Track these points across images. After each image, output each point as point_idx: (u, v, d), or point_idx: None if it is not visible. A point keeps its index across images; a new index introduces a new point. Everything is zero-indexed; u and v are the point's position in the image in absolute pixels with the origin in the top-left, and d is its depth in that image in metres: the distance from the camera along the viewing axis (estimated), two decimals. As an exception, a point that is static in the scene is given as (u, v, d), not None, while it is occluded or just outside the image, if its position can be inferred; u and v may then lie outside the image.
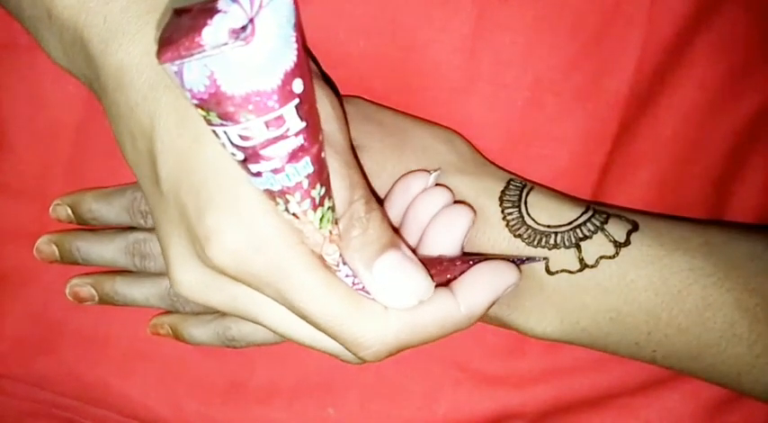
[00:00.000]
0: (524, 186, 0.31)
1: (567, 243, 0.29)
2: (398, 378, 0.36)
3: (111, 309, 0.36)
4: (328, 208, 0.23)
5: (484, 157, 0.33)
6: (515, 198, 0.30)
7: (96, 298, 0.36)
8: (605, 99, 0.32)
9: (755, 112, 0.33)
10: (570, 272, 0.29)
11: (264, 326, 0.26)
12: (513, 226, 0.30)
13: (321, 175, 0.22)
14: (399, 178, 0.30)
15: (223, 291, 0.25)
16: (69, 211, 0.36)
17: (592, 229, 0.30)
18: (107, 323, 0.37)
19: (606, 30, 0.32)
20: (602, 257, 0.29)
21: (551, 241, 0.30)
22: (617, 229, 0.30)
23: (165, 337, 0.36)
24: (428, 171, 0.30)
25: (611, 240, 0.29)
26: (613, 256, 0.29)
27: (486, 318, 0.32)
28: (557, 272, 0.30)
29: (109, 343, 0.37)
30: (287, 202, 0.22)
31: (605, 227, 0.30)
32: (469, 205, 0.29)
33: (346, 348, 0.25)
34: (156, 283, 0.34)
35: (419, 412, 0.36)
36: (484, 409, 0.35)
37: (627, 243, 0.29)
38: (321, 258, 0.24)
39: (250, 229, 0.23)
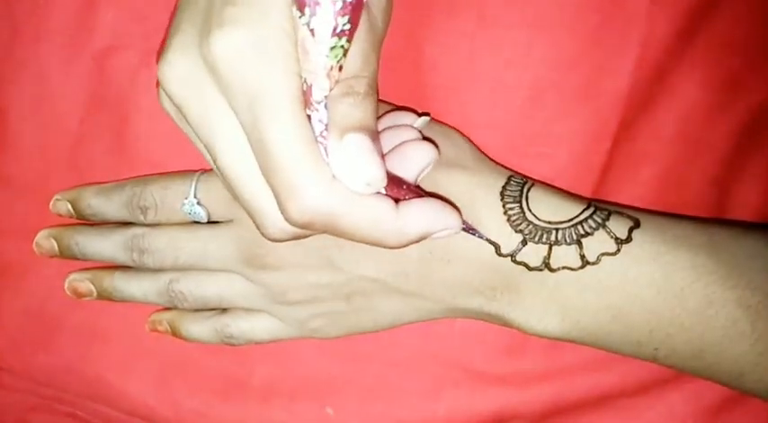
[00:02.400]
0: (525, 182, 0.31)
1: (568, 239, 0.29)
2: (398, 378, 0.35)
3: (110, 305, 0.36)
4: (342, 47, 0.23)
5: (484, 154, 0.33)
6: (516, 193, 0.30)
7: (95, 293, 0.36)
8: (605, 98, 0.32)
9: (756, 111, 0.33)
10: (571, 269, 0.29)
11: (214, 157, 0.26)
12: (514, 221, 0.30)
13: (354, 12, 0.22)
14: (389, 111, 0.30)
15: (200, 93, 0.25)
16: (69, 207, 0.36)
17: (593, 225, 0.30)
18: (106, 319, 0.37)
19: (606, 28, 0.32)
20: (603, 254, 0.29)
21: (552, 237, 0.29)
22: (619, 226, 0.30)
23: (164, 334, 0.36)
24: (417, 114, 0.30)
25: (612, 237, 0.29)
26: (615, 253, 0.29)
27: (486, 316, 0.32)
28: (558, 269, 0.29)
29: (108, 339, 0.37)
30: (314, 14, 0.22)
31: (607, 223, 0.30)
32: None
33: (278, 196, 0.24)
34: (155, 279, 0.34)
35: (419, 412, 0.35)
36: (484, 408, 0.35)
37: (629, 240, 0.29)
38: (304, 99, 0.24)
39: (263, 32, 0.23)
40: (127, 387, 0.37)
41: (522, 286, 0.30)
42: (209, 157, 0.27)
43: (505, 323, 0.31)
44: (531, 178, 0.32)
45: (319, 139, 0.24)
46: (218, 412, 0.36)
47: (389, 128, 0.29)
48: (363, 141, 0.24)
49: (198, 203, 0.33)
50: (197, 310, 0.35)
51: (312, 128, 0.24)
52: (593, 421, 0.34)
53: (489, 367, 0.35)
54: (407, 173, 0.28)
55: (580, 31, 0.32)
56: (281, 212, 0.24)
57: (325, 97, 0.24)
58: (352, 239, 0.25)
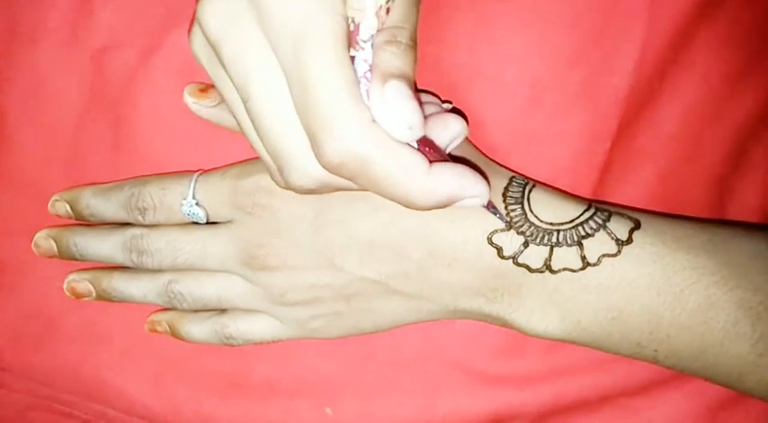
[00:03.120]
0: (527, 184, 0.31)
1: (569, 241, 0.29)
2: (397, 377, 0.35)
3: (109, 305, 0.36)
4: None
5: (484, 154, 0.33)
6: (518, 195, 0.30)
7: (94, 294, 0.36)
8: (606, 96, 0.32)
9: (758, 109, 0.33)
10: (572, 270, 0.29)
11: (247, 97, 0.25)
12: (516, 223, 0.30)
13: None
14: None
15: (240, 29, 0.24)
16: (68, 207, 0.35)
17: (594, 226, 0.30)
18: (105, 319, 0.37)
19: (606, 26, 0.32)
20: (604, 255, 0.29)
21: (554, 239, 0.29)
22: (619, 227, 0.30)
23: (163, 334, 0.36)
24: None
25: (613, 238, 0.29)
26: (616, 255, 0.29)
27: (486, 317, 0.32)
28: (559, 270, 0.29)
29: (106, 339, 0.37)
30: None
31: (608, 225, 0.30)
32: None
33: (314, 136, 0.24)
34: (154, 279, 0.34)
35: (418, 412, 0.35)
36: (484, 409, 0.35)
37: (629, 241, 0.29)
38: (350, 38, 0.24)
39: None
40: (125, 387, 0.37)
41: (524, 288, 0.30)
42: (237, 104, 0.27)
43: (506, 324, 0.31)
44: (531, 179, 0.32)
45: (362, 80, 0.24)
46: (216, 412, 0.36)
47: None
48: (404, 88, 0.24)
49: (197, 204, 0.33)
50: (196, 311, 0.35)
51: (355, 69, 0.24)
52: (593, 422, 0.34)
53: (489, 367, 0.35)
54: (438, 142, 0.28)
55: (580, 29, 0.32)
56: (316, 152, 0.24)
57: (372, 37, 0.24)
58: (379, 191, 0.25)
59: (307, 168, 0.25)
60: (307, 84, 0.23)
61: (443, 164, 0.26)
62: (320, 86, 0.23)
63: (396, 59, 0.24)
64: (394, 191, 0.25)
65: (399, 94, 0.24)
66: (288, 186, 0.27)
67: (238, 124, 0.28)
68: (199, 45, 0.27)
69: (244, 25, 0.24)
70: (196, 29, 0.27)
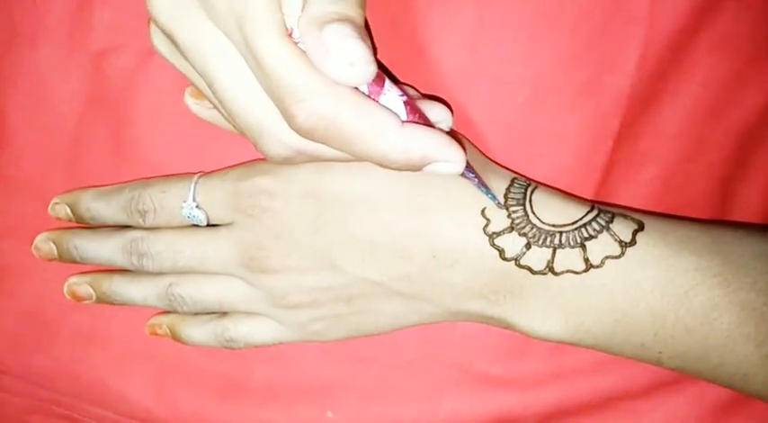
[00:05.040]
0: (529, 185, 0.31)
1: (572, 242, 0.29)
2: (398, 380, 0.35)
3: (109, 307, 0.36)
4: None
5: (486, 155, 0.33)
6: (520, 196, 0.30)
7: (94, 297, 0.35)
8: (607, 96, 0.32)
9: (760, 109, 0.33)
10: (575, 272, 0.29)
11: (210, 81, 0.26)
12: (517, 224, 0.29)
13: None
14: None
15: (189, 19, 0.25)
16: (68, 210, 0.35)
17: (597, 228, 0.29)
18: (105, 322, 0.37)
19: (608, 26, 0.32)
20: (607, 257, 0.29)
21: (556, 241, 0.29)
22: (622, 229, 0.29)
23: (163, 337, 0.35)
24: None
25: (616, 240, 0.29)
26: (619, 257, 0.29)
27: (489, 319, 0.31)
28: (561, 272, 0.29)
29: (107, 342, 0.37)
30: None
31: (611, 226, 0.29)
32: None
33: (282, 104, 0.24)
34: (154, 282, 0.34)
35: (420, 415, 0.35)
36: (486, 411, 0.35)
37: (632, 243, 0.29)
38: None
39: None
40: (125, 389, 0.37)
41: (526, 290, 0.30)
42: (204, 87, 0.27)
43: (508, 326, 0.31)
44: (533, 180, 0.32)
45: None
46: (216, 415, 0.36)
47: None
48: (344, 29, 0.23)
49: (197, 207, 0.32)
50: (197, 314, 0.35)
51: None
52: (597, 424, 0.34)
53: (491, 370, 0.35)
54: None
55: (582, 29, 0.32)
56: (287, 120, 0.24)
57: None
58: (354, 151, 0.25)
59: (280, 137, 0.26)
60: (261, 59, 0.24)
61: (418, 126, 0.26)
62: (274, 59, 0.24)
63: (331, 5, 0.24)
64: (367, 149, 0.25)
65: (337, 35, 0.23)
66: (265, 156, 0.27)
67: (213, 106, 0.28)
68: (158, 39, 0.28)
69: (192, 15, 0.25)
70: (153, 24, 0.28)
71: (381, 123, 0.25)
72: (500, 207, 0.30)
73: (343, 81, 0.24)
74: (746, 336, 0.28)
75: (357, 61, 0.23)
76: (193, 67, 0.27)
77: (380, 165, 0.26)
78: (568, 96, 0.32)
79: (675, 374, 0.32)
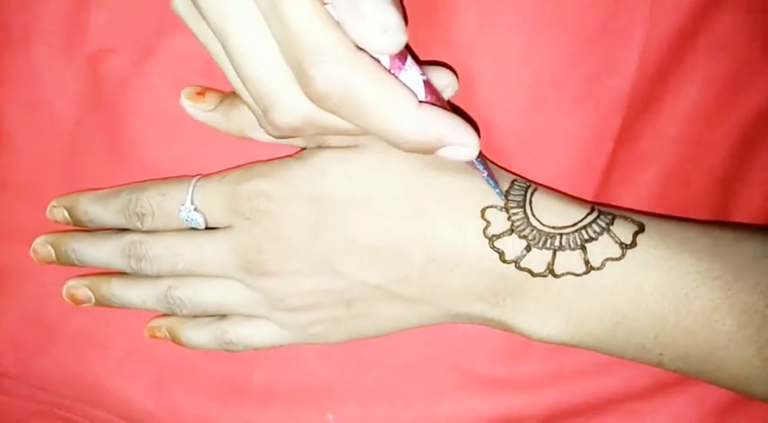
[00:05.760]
0: (529, 187, 0.31)
1: (572, 244, 0.29)
2: (399, 382, 0.35)
3: (110, 310, 0.36)
4: None
5: (486, 156, 0.32)
6: (520, 198, 0.30)
7: (93, 300, 0.35)
8: (607, 97, 0.32)
9: (760, 110, 0.33)
10: (576, 274, 0.29)
11: (226, 40, 0.25)
12: (517, 226, 0.29)
13: None
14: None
15: None
16: (66, 213, 0.35)
17: (597, 230, 0.29)
18: (105, 325, 0.37)
19: (608, 27, 0.31)
20: (607, 259, 0.29)
21: (556, 243, 0.29)
22: (623, 231, 0.29)
23: (163, 340, 0.35)
24: None
25: (617, 242, 0.29)
26: (619, 258, 0.29)
27: (489, 321, 0.31)
28: (562, 274, 0.29)
29: (107, 345, 0.37)
30: None
31: (611, 228, 0.29)
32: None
33: (300, 66, 0.23)
34: (153, 285, 0.34)
35: (420, 417, 0.35)
36: (486, 413, 0.35)
37: (633, 245, 0.29)
38: None
39: None
40: (125, 392, 0.36)
41: (526, 292, 0.30)
42: (217, 48, 0.26)
43: (509, 329, 0.31)
44: (533, 181, 0.32)
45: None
46: (217, 417, 0.36)
47: None
48: None
49: (195, 210, 0.32)
50: (196, 317, 0.35)
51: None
52: (597, 426, 0.34)
53: (491, 371, 0.35)
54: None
55: (582, 30, 0.32)
56: (303, 83, 0.24)
57: None
58: (367, 123, 0.25)
59: (291, 104, 0.25)
60: (284, 16, 0.23)
61: (435, 107, 0.25)
62: (298, 16, 0.23)
63: None
64: (381, 124, 0.24)
65: (370, 3, 0.23)
66: (273, 127, 0.27)
67: (224, 74, 0.28)
68: (178, 0, 0.27)
69: None
70: None
71: (399, 99, 0.24)
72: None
73: (372, 47, 0.23)
74: (748, 338, 0.28)
75: (391, 29, 0.23)
76: (210, 27, 0.26)
77: (392, 143, 0.25)
78: (569, 97, 0.32)
79: (677, 376, 0.32)
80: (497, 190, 0.29)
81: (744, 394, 0.30)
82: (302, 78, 0.24)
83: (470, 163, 0.28)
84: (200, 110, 0.33)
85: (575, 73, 0.32)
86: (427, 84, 0.26)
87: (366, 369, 0.35)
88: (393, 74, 0.25)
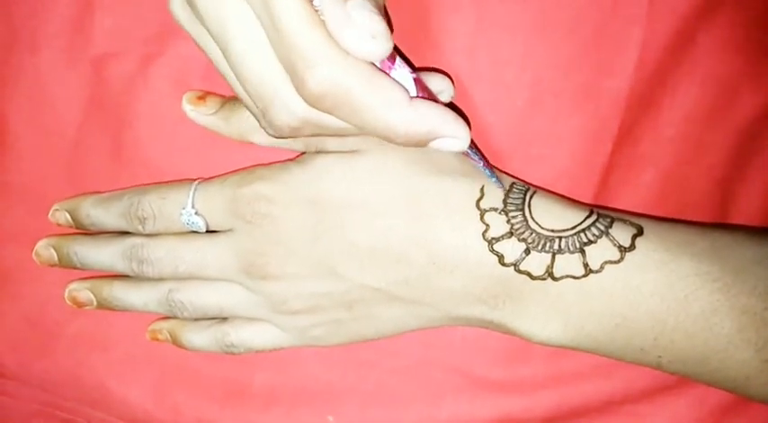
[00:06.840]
0: (528, 190, 0.31)
1: (571, 248, 0.29)
2: (399, 385, 0.35)
3: (111, 312, 0.36)
4: None
5: (485, 158, 0.33)
6: (519, 201, 0.30)
7: (94, 303, 0.35)
8: (606, 99, 0.32)
9: (758, 112, 0.33)
10: (575, 277, 0.29)
11: (225, 45, 0.26)
12: (517, 230, 0.29)
13: None
14: None
15: None
16: (68, 217, 0.35)
17: (596, 233, 0.29)
18: (106, 326, 0.37)
19: (606, 28, 0.32)
20: (606, 262, 0.29)
21: (555, 246, 0.29)
22: (622, 234, 0.29)
23: (164, 343, 0.36)
24: None
25: (616, 245, 0.29)
26: (618, 261, 0.29)
27: (488, 324, 0.31)
28: (561, 277, 0.29)
29: (108, 347, 0.37)
30: None
31: (610, 231, 0.29)
32: None
33: (295, 69, 0.24)
34: (155, 288, 0.34)
35: (420, 419, 0.35)
36: (486, 415, 0.35)
37: (632, 248, 0.29)
38: None
39: None
40: (127, 394, 0.37)
41: (525, 295, 0.30)
42: (215, 52, 0.27)
43: (508, 331, 0.31)
44: (532, 183, 0.32)
45: None
46: (217, 419, 0.36)
47: None
48: (367, 3, 0.24)
49: (196, 213, 0.32)
50: (197, 319, 0.35)
51: None
52: (597, 428, 0.34)
53: (491, 374, 0.35)
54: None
55: (580, 31, 0.32)
56: (298, 86, 0.24)
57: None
58: (361, 122, 0.25)
59: (289, 105, 0.26)
60: (278, 21, 0.24)
61: (425, 100, 0.26)
62: (292, 23, 0.23)
63: None
64: (375, 121, 0.25)
65: (361, 7, 0.24)
66: (272, 127, 0.27)
67: (223, 76, 0.28)
68: (177, 6, 0.28)
69: None
70: None
71: (391, 96, 0.25)
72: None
73: (361, 53, 0.24)
74: (747, 340, 0.28)
75: (378, 35, 0.24)
76: (209, 33, 0.26)
77: (385, 138, 0.26)
78: (567, 99, 0.32)
79: (676, 378, 0.32)
80: (494, 179, 0.29)
81: (743, 396, 0.30)
82: (297, 81, 0.24)
83: (465, 153, 0.28)
84: (201, 114, 0.33)
85: (573, 75, 0.32)
86: (417, 81, 0.26)
87: (366, 371, 0.35)
88: (384, 72, 0.26)
